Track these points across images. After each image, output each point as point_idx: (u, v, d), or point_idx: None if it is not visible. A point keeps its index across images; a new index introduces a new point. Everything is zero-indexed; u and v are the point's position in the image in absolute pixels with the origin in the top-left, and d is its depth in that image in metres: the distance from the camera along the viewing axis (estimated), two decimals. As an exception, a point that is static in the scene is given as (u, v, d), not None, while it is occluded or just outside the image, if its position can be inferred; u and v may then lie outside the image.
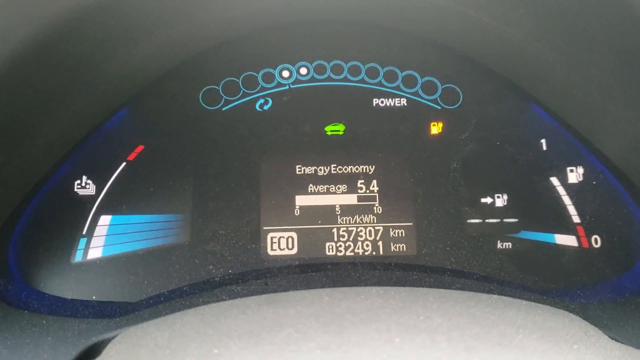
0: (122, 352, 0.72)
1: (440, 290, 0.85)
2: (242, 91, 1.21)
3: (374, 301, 0.73)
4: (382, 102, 1.22)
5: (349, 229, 1.15)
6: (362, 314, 0.68)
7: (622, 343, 0.89)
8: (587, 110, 1.15)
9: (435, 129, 1.21)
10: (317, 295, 0.76)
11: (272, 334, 0.63)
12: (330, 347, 0.60)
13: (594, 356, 0.66)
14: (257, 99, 1.21)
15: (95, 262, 1.10)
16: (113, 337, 0.82)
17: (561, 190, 1.19)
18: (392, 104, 1.22)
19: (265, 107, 1.21)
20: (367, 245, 1.15)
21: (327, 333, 0.62)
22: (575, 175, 1.19)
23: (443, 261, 1.14)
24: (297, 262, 1.12)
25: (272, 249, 1.13)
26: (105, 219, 1.13)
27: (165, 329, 0.73)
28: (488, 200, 1.18)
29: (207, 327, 0.69)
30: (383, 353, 0.59)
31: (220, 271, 1.10)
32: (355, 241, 1.15)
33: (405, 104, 1.23)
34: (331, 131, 1.20)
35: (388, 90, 1.23)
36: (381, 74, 1.23)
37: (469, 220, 1.17)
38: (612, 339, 0.86)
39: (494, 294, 0.98)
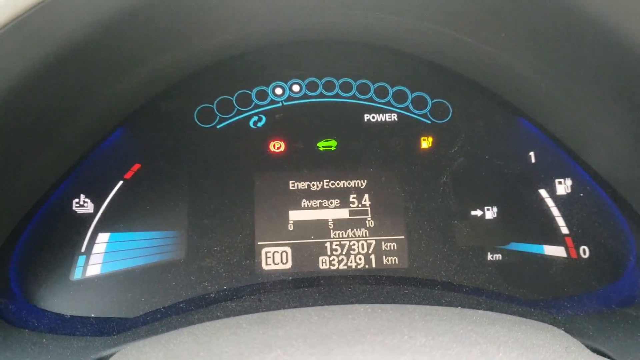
0: (119, 372, 0.75)
1: (427, 307, 0.87)
2: (236, 109, 1.23)
3: (361, 321, 0.76)
4: (373, 117, 1.25)
5: (342, 242, 1.18)
6: (348, 335, 0.70)
7: (607, 355, 0.92)
8: (574, 124, 1.18)
9: (426, 143, 1.24)
10: (306, 315, 0.79)
11: (260, 355, 0.66)
12: (316, 369, 0.62)
13: (572, 372, 0.68)
14: (251, 116, 1.23)
15: (93, 280, 1.12)
16: (111, 355, 0.85)
17: (550, 202, 1.21)
18: (383, 119, 1.25)
19: (259, 125, 1.23)
20: (360, 259, 1.17)
21: (314, 355, 0.65)
22: (563, 187, 1.22)
23: (434, 274, 1.16)
24: (290, 277, 1.15)
25: (266, 264, 1.15)
26: (103, 237, 1.15)
27: (160, 348, 0.76)
28: (478, 212, 1.20)
29: (199, 348, 0.72)
30: None
31: (216, 287, 1.12)
32: (348, 255, 1.17)
33: (396, 119, 1.25)
34: (323, 147, 1.22)
35: (379, 105, 1.26)
36: (372, 90, 1.26)
37: (459, 233, 1.19)
38: (597, 351, 0.88)
39: (482, 307, 1.01)
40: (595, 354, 0.82)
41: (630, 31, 0.85)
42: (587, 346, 0.86)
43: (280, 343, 0.69)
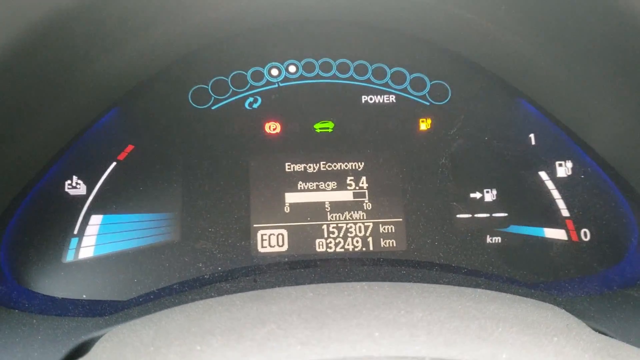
0: (109, 350, 0.73)
1: (425, 285, 0.86)
2: (231, 90, 1.21)
3: (357, 297, 0.74)
4: (370, 99, 1.23)
5: (339, 225, 1.16)
6: (344, 310, 0.68)
7: (609, 335, 0.90)
8: (575, 105, 1.16)
9: (424, 125, 1.22)
10: (301, 292, 0.77)
11: (253, 330, 0.64)
12: (310, 343, 0.60)
13: (573, 348, 0.66)
14: (247, 97, 1.21)
15: (86, 262, 1.10)
16: (102, 335, 0.83)
17: (550, 185, 1.19)
18: (381, 101, 1.23)
19: (255, 106, 1.21)
20: (357, 241, 1.15)
21: (308, 329, 0.63)
22: (564, 169, 1.20)
23: (432, 256, 1.15)
24: (286, 259, 1.13)
25: (262, 246, 1.14)
26: (96, 219, 1.13)
27: (151, 326, 0.74)
28: (477, 195, 1.18)
29: (191, 324, 0.70)
30: (362, 348, 0.59)
31: (210, 269, 1.10)
32: (345, 237, 1.15)
33: (394, 101, 1.23)
34: (320, 129, 1.20)
35: (377, 87, 1.24)
36: (370, 71, 1.24)
37: (458, 215, 1.17)
38: (598, 331, 0.86)
39: (481, 288, 0.99)
40: (596, 332, 0.81)
41: (637, 6, 0.83)
42: (589, 326, 0.84)
43: (274, 318, 0.67)
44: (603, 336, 0.79)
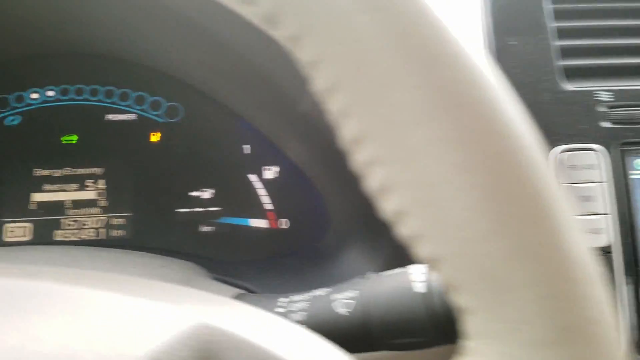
0: None
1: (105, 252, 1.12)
2: (-7, 110, 1.46)
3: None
4: (115, 117, 1.50)
5: (77, 219, 1.42)
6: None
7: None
8: (276, 123, 1.48)
9: (155, 137, 1.50)
10: None
11: None
12: None
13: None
14: (7, 116, 1.46)
15: None
16: None
17: (257, 185, 1.49)
18: (123, 119, 1.51)
19: (14, 123, 1.46)
20: (92, 232, 1.41)
21: None
22: (270, 172, 1.50)
23: (153, 243, 1.42)
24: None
25: (8, 237, 1.38)
26: None
27: None
28: (196, 194, 1.47)
29: None
30: None
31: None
32: (81, 229, 1.41)
33: (134, 118, 1.51)
34: (66, 140, 1.47)
35: (121, 107, 1.51)
36: (116, 94, 1.52)
37: (178, 210, 1.45)
38: (223, 281, 1.15)
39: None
40: (215, 281, 1.09)
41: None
42: (216, 278, 1.13)
43: None
44: (219, 285, 1.08)
